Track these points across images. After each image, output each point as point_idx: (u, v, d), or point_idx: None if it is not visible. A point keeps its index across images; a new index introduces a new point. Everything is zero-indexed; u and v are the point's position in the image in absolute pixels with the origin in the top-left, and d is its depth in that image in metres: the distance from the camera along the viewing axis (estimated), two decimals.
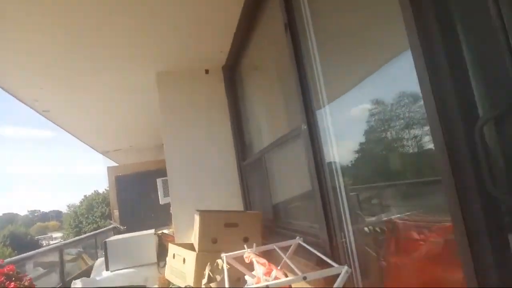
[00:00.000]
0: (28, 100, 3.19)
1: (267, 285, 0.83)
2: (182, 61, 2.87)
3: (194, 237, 2.03)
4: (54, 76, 2.80)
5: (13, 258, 3.20)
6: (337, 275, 0.85)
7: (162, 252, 2.94)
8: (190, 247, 1.98)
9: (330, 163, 1.39)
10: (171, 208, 2.95)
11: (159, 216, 4.68)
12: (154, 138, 5.44)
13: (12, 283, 1.76)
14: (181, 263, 1.92)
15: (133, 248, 2.98)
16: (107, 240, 3.02)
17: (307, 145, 1.48)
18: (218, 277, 1.33)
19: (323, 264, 1.14)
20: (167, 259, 2.20)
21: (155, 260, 2.94)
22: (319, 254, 1.03)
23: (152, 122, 4.38)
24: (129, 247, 2.98)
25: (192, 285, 1.70)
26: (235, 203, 2.86)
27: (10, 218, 64.00)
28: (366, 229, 1.21)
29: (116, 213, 6.50)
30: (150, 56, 2.72)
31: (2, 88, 2.78)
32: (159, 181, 5.11)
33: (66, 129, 4.45)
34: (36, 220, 67.65)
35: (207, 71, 3.10)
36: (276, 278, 0.88)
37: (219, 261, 1.38)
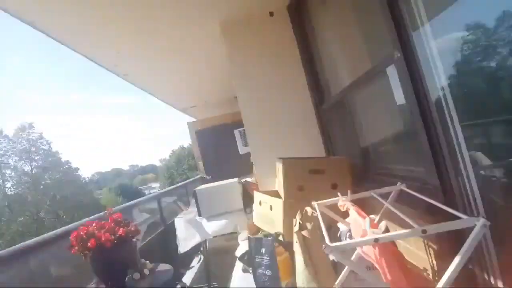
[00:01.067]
0: (110, 66, 3.41)
1: (376, 238, 0.71)
2: (244, 6, 2.67)
3: (278, 185, 2.01)
4: (127, 39, 2.88)
5: (121, 206, 3.71)
6: (466, 230, 0.69)
7: (246, 199, 3.06)
8: (276, 194, 1.97)
9: (434, 93, 1.14)
10: (251, 157, 2.97)
11: (240, 165, 4.87)
12: (226, 91, 5.48)
13: (121, 228, 2.00)
14: (268, 210, 1.93)
15: (220, 195, 3.16)
16: (196, 189, 3.24)
17: (404, 75, 1.23)
18: (309, 225, 1.27)
19: (433, 216, 0.97)
20: (254, 206, 2.25)
21: (241, 206, 3.08)
22: (436, 203, 0.86)
23: (223, 75, 4.36)
24: (216, 195, 3.16)
25: (281, 231, 1.71)
26: (316, 150, 2.74)
27: (118, 172, 75.54)
28: (490, 173, 0.98)
29: (201, 164, 7.00)
30: (212, 4, 2.59)
31: (86, 57, 2.99)
32: (236, 132, 5.24)
33: (147, 90, 4.74)
34: (137, 173, 78.61)
35: (271, 14, 2.84)
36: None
37: (308, 208, 1.30)
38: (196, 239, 3.08)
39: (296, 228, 1.27)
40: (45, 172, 27.01)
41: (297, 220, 1.29)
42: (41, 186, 26.39)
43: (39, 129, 27.69)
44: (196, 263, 4.46)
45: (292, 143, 2.74)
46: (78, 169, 30.21)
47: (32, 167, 26.80)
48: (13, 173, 26.26)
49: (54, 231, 2.25)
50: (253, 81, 2.83)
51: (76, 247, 1.89)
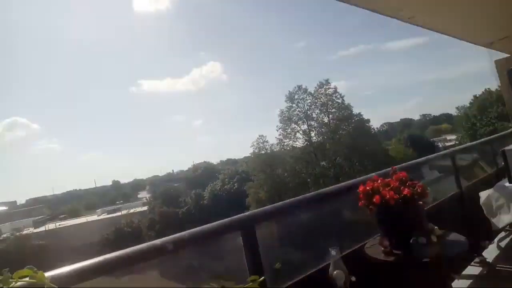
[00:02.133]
0: (393, 13, 3.22)
1: None
2: None
3: None
4: None
5: (408, 163, 3.55)
6: None
7: None
8: None
9: None
10: None
11: None
12: None
13: (406, 188, 1.92)
14: None
15: None
16: (505, 148, 2.54)
17: None
18: None
19: None
20: None
21: None
22: None
23: None
24: None
25: None
26: None
27: (407, 123, 74.62)
28: None
29: None
30: None
31: (369, 9, 2.97)
32: None
33: (436, 29, 4.13)
34: (428, 124, 73.89)
35: None
36: None
37: None
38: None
39: None
40: (340, 123, 31.22)
41: None
42: (337, 136, 30.88)
43: (333, 85, 31.33)
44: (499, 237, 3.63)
45: None
46: (369, 120, 32.51)
47: (330, 118, 31.70)
48: (315, 124, 32.10)
49: (346, 182, 2.55)
50: None
51: (363, 201, 2.04)
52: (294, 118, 31.35)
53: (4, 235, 30.77)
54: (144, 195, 55.20)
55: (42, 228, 35.24)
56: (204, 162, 47.47)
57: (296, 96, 31.08)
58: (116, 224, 30.83)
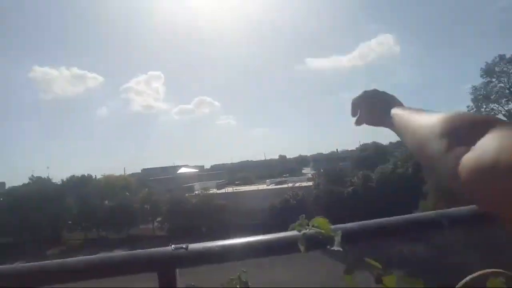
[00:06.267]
0: None
1: None
2: None
3: None
4: None
5: None
6: None
7: None
8: None
9: None
10: None
11: None
12: None
13: None
14: None
15: None
16: None
17: None
18: None
19: None
20: None
21: None
22: None
23: None
24: None
25: None
26: None
27: None
28: None
29: None
30: None
31: None
32: None
33: None
34: None
35: None
36: None
37: None
38: None
39: None
40: None
41: None
42: None
43: None
44: None
45: None
46: None
47: None
48: None
49: None
50: None
51: None
52: (494, 96, 25.11)
53: (196, 192, 38.66)
54: (308, 171, 57.61)
55: (222, 190, 42.17)
56: (374, 142, 44.93)
57: (497, 69, 24.65)
58: (282, 194, 33.40)
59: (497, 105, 25.41)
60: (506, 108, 25.02)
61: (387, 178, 30.33)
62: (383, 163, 33.27)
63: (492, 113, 25.04)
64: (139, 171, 66.25)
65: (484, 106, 25.57)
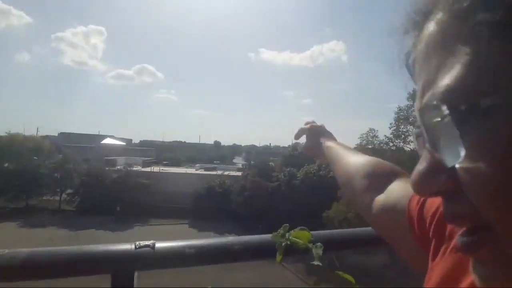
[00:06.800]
0: None
1: None
2: None
3: None
4: None
5: None
6: None
7: None
8: None
9: None
10: None
11: None
12: None
13: None
14: None
15: None
16: None
17: None
18: None
19: None
20: None
21: None
22: None
23: None
24: None
25: None
26: None
27: None
28: None
29: None
30: None
31: None
32: None
33: None
34: None
35: None
36: None
37: None
38: None
39: None
40: None
41: None
42: None
43: None
44: None
45: None
46: None
47: None
48: None
49: None
50: None
51: None
52: (412, 119, 27.88)
53: (119, 167, 36.24)
54: (239, 160, 58.02)
55: (148, 169, 40.26)
56: None
57: None
58: (210, 181, 33.07)
59: (412, 127, 28.00)
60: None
61: (310, 178, 31.74)
62: (310, 164, 34.69)
63: (408, 133, 27.54)
64: (56, 135, 60.29)
65: (402, 126, 27.98)
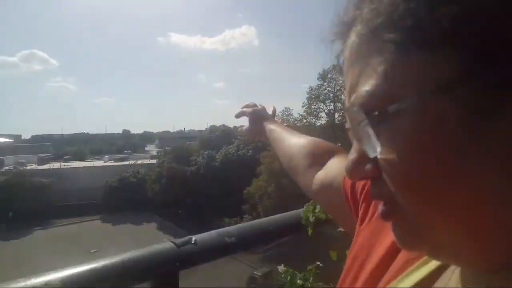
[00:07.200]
0: None
1: None
2: None
3: None
4: None
5: None
6: None
7: None
8: None
9: None
10: None
11: None
12: None
13: None
14: None
15: None
16: None
17: None
18: None
19: None
20: None
21: None
22: None
23: None
24: None
25: None
26: None
27: None
28: None
29: None
30: None
31: None
32: None
33: None
34: None
35: None
36: None
37: None
38: None
39: None
40: None
41: None
42: None
43: None
44: None
45: None
46: None
47: None
48: (342, 106, 30.86)
49: None
50: None
51: None
52: (322, 97, 30.40)
53: (7, 168, 31.20)
54: (152, 148, 55.31)
55: (46, 166, 35.71)
56: (223, 125, 46.69)
57: (330, 75, 29.87)
58: (122, 172, 30.97)
59: (323, 105, 30.32)
60: (328, 108, 30.17)
61: (229, 159, 32.04)
62: (229, 145, 34.88)
63: (319, 110, 29.85)
64: None
65: (314, 104, 30.06)
